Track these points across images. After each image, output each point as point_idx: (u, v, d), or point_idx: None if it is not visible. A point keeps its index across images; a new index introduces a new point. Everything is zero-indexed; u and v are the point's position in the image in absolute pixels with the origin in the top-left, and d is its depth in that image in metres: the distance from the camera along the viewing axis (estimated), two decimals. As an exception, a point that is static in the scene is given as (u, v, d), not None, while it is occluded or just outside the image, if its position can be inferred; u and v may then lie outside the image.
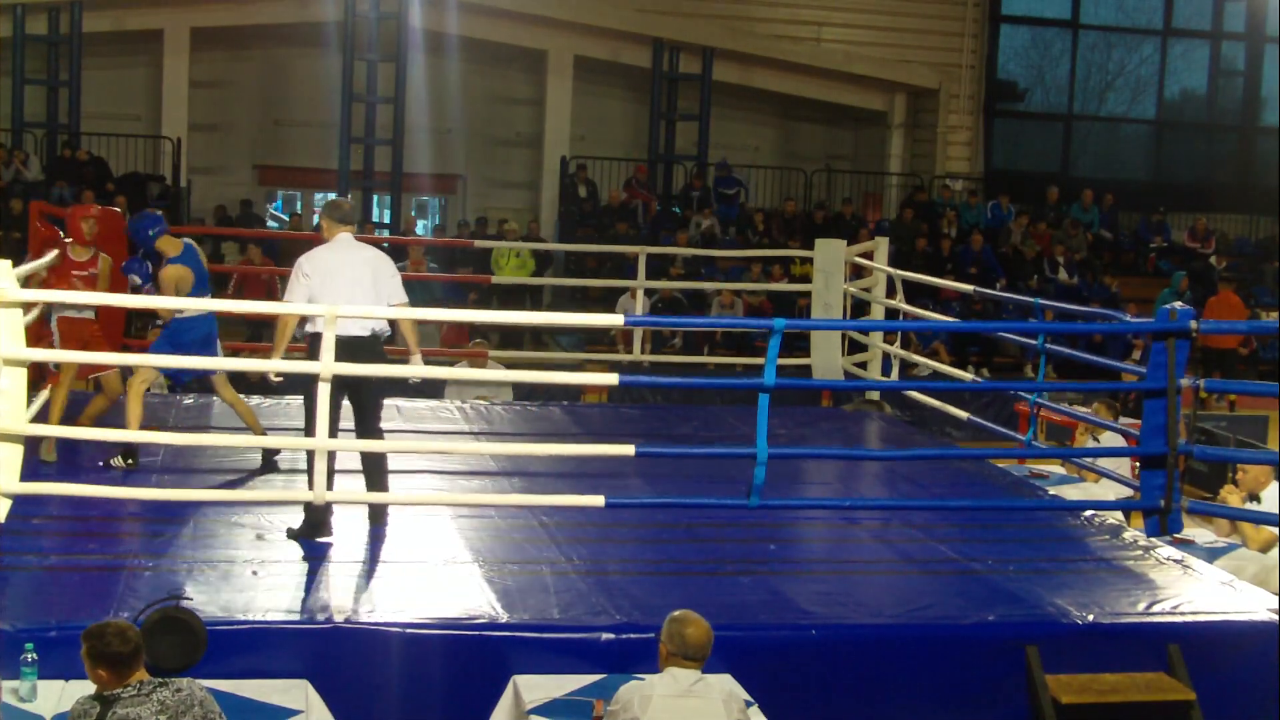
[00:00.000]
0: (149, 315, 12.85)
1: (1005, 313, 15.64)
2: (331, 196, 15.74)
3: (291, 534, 6.65)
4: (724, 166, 20.71)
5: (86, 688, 4.43)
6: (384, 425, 8.79)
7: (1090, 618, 6.09)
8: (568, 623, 5.71)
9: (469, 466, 8.15)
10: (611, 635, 5.61)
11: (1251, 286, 20.44)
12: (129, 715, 4.24)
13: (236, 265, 15.99)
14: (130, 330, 11.44)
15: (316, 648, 5.45)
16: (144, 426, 7.65)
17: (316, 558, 6.36)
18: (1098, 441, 9.17)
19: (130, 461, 7.70)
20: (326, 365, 6.18)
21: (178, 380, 11.43)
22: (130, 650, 4.35)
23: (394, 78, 19.11)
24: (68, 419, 7.92)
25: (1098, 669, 5.99)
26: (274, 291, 13.30)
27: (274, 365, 6.91)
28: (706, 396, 11.88)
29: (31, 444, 6.54)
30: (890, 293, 10.68)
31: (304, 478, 6.50)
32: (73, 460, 7.30)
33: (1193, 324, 6.55)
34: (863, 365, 10.97)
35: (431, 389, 10.59)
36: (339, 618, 5.56)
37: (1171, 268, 19.35)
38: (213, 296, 8.16)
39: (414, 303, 7.91)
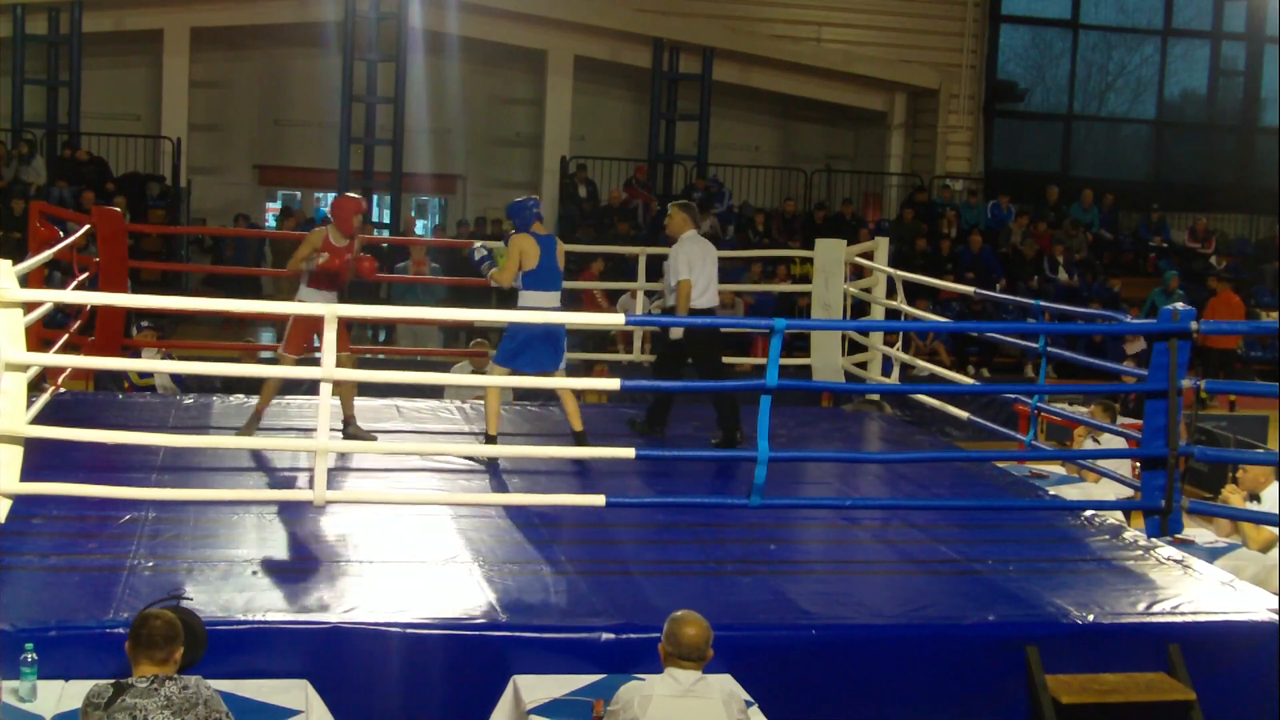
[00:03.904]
0: (144, 316, 12.86)
1: (1005, 313, 15.65)
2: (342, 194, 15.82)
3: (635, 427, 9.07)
4: (715, 183, 20.72)
5: (86, 688, 4.44)
6: (383, 426, 8.86)
7: (1090, 618, 6.09)
8: (568, 623, 5.71)
9: (469, 466, 8.14)
10: (611, 635, 5.61)
11: (1251, 286, 20.45)
12: (136, 705, 4.28)
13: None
14: (130, 331, 11.44)
15: (316, 648, 5.45)
16: (143, 427, 7.66)
17: (316, 558, 6.37)
18: (1098, 443, 9.17)
19: None
20: (328, 368, 6.19)
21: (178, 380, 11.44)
22: (165, 635, 4.45)
23: (394, 78, 19.10)
24: (73, 419, 7.91)
25: (1098, 669, 5.99)
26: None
27: (280, 372, 7.09)
28: (706, 396, 11.85)
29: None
30: (890, 293, 10.68)
31: None
32: (73, 460, 7.27)
33: (1194, 325, 6.55)
34: (863, 366, 10.97)
35: (432, 388, 10.60)
36: (339, 618, 5.56)
37: (1170, 267, 19.37)
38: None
39: (415, 302, 8.07)
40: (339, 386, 8.46)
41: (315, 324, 8.21)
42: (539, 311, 8.13)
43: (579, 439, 8.38)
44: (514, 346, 8.21)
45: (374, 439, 8.52)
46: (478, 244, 8.70)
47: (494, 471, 8.03)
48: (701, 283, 8.86)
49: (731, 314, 16.64)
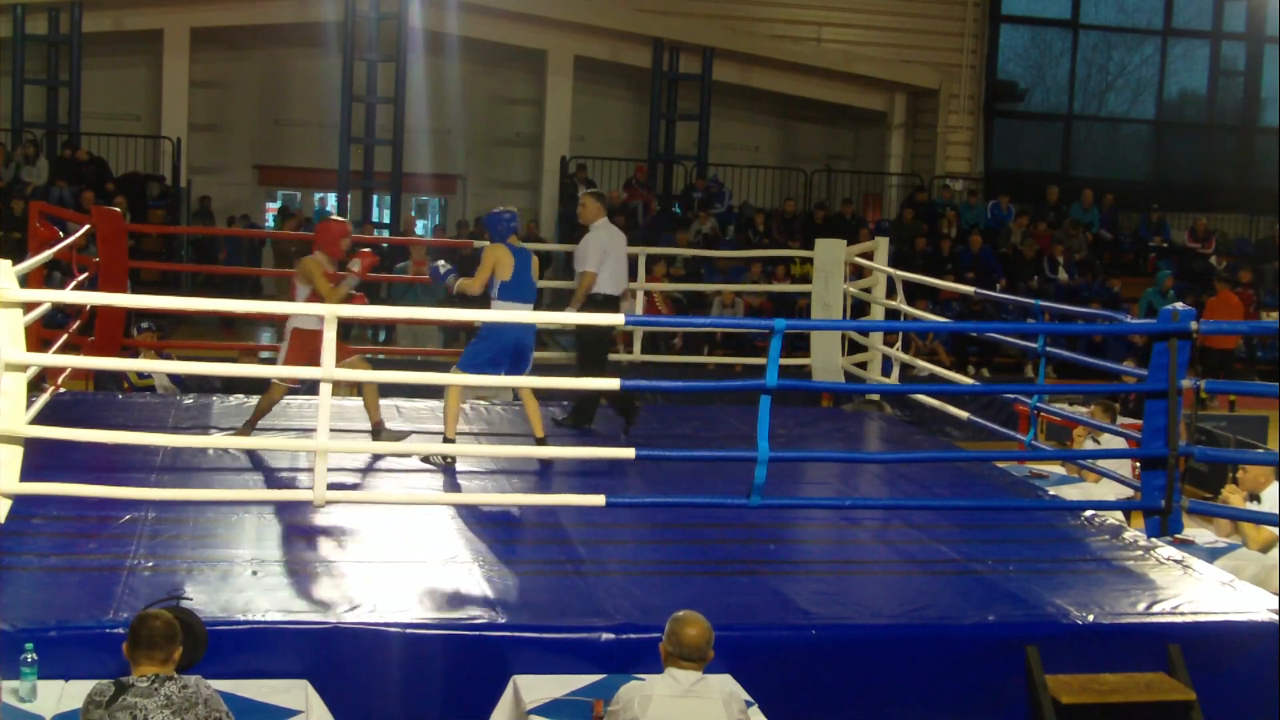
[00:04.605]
0: (145, 317, 12.87)
1: (1005, 313, 15.65)
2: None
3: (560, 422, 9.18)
4: (715, 183, 20.72)
5: (86, 688, 4.45)
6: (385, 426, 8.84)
7: (1090, 618, 6.09)
8: (568, 623, 5.71)
9: (469, 466, 8.15)
10: (611, 635, 5.61)
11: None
12: (136, 705, 4.29)
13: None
14: (130, 332, 11.43)
15: (316, 648, 5.45)
16: (143, 427, 7.66)
17: (316, 558, 6.37)
18: (1098, 443, 9.18)
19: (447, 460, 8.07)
20: (328, 368, 6.20)
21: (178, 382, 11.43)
22: (165, 634, 4.46)
23: (394, 78, 19.11)
24: (73, 420, 7.91)
25: (1098, 669, 5.99)
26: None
27: (284, 372, 7.44)
28: (706, 396, 11.88)
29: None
30: (890, 293, 10.68)
31: None
32: (73, 460, 7.28)
33: (1194, 325, 6.55)
34: (863, 366, 10.97)
35: (432, 388, 10.58)
36: (339, 618, 5.56)
37: (1169, 267, 19.37)
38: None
39: (415, 303, 8.06)
40: (364, 393, 8.46)
41: (316, 349, 8.09)
42: (517, 319, 8.06)
43: (540, 444, 8.28)
44: (485, 358, 8.03)
45: (406, 437, 8.47)
46: (441, 261, 8.50)
47: (450, 472, 7.99)
48: (609, 270, 9.13)
49: (731, 314, 16.67)
